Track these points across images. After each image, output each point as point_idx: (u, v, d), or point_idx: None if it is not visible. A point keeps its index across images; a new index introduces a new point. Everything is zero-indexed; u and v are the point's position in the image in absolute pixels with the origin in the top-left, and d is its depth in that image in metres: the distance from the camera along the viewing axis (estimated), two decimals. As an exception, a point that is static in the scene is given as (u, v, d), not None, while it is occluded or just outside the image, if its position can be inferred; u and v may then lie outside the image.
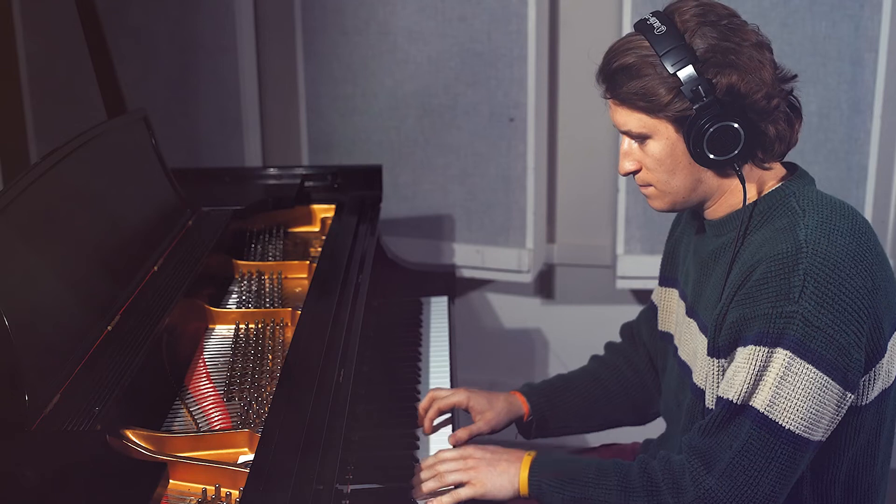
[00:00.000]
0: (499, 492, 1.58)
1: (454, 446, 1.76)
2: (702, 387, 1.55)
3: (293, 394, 1.51)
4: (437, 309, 2.34)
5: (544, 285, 3.06)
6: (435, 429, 1.83)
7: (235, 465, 1.43)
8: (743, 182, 1.48)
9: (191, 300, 1.84)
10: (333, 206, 2.39)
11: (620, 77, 1.48)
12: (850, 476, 1.51)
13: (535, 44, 2.71)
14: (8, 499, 1.25)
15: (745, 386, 1.41)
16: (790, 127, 1.49)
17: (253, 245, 2.24)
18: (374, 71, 2.87)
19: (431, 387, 1.99)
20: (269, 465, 1.33)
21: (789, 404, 1.38)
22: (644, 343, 1.88)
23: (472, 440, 1.80)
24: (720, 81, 1.43)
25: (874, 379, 1.46)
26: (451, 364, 2.10)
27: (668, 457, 1.51)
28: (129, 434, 1.43)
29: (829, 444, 1.47)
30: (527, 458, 1.59)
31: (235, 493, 1.36)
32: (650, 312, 1.86)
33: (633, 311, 2.01)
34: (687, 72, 1.42)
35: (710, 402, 1.53)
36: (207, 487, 1.37)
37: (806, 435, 1.40)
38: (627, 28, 2.61)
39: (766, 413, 1.39)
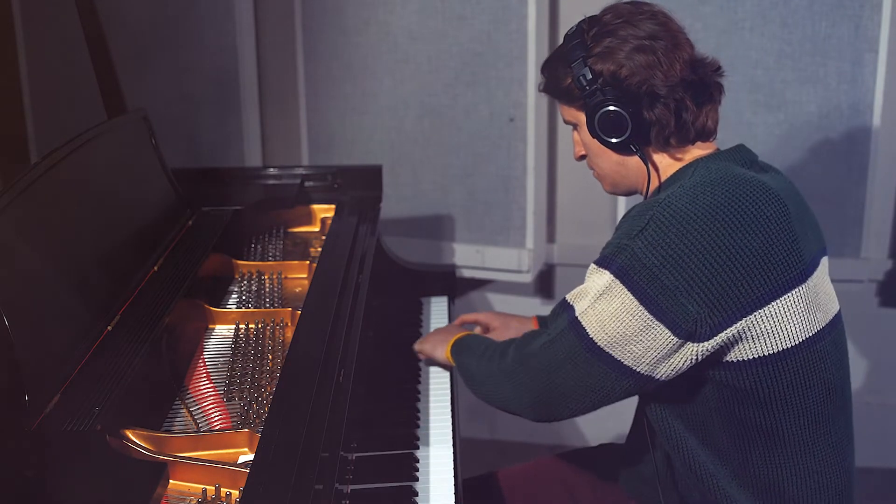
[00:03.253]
0: (434, 352, 2.01)
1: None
2: None
3: (293, 394, 1.51)
4: (437, 309, 2.34)
5: (544, 285, 3.06)
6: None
7: (235, 465, 1.43)
8: (645, 161, 1.62)
9: (191, 300, 1.84)
10: (333, 206, 2.39)
11: (543, 72, 1.71)
12: (772, 429, 1.55)
13: (535, 44, 2.71)
14: (8, 499, 1.25)
15: (577, 293, 1.60)
16: (676, 113, 1.58)
17: (253, 245, 2.24)
18: (374, 71, 2.87)
19: (432, 387, 2.00)
20: (269, 465, 1.33)
21: (599, 318, 1.53)
22: None
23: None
24: (604, 70, 1.58)
25: (751, 336, 1.50)
26: (451, 364, 2.10)
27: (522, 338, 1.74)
28: (129, 434, 1.43)
29: (729, 390, 1.54)
30: (458, 335, 1.95)
31: (235, 493, 1.36)
32: None
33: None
34: (577, 63, 1.60)
35: None
36: (207, 487, 1.37)
37: (609, 352, 1.53)
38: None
39: (579, 317, 1.56)
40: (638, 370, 1.52)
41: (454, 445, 1.80)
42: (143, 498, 1.26)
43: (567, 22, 2.79)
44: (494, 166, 2.83)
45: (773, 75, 2.60)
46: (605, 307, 1.52)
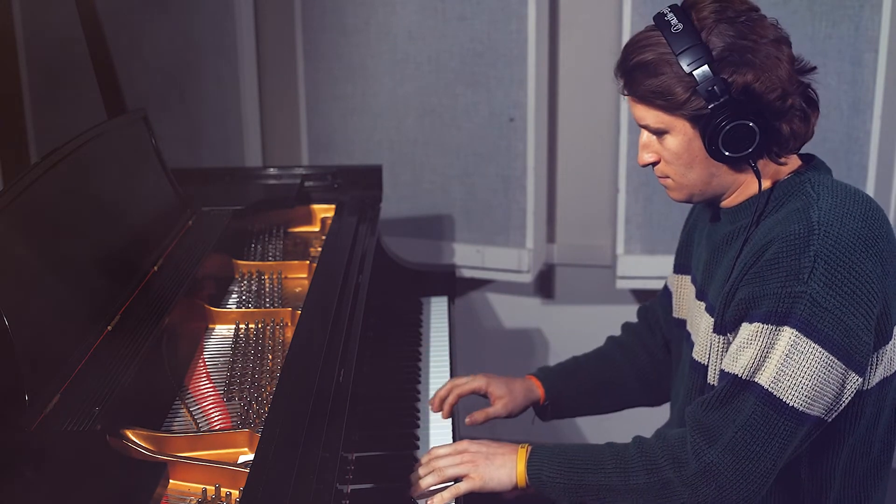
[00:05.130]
0: (497, 484, 1.61)
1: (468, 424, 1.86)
2: (702, 362, 1.59)
3: (293, 394, 1.51)
4: (437, 309, 2.35)
5: (544, 285, 3.06)
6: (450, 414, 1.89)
7: (235, 465, 1.43)
8: (759, 176, 1.50)
9: (191, 300, 1.84)
10: (333, 206, 2.39)
11: (638, 74, 1.49)
12: (848, 462, 1.53)
13: (535, 44, 2.70)
14: (8, 499, 1.25)
15: (752, 362, 1.44)
16: (804, 123, 1.51)
17: (253, 245, 2.24)
18: (374, 71, 2.87)
19: (432, 387, 1.99)
20: (269, 465, 1.33)
21: (793, 381, 1.41)
22: (661, 326, 1.91)
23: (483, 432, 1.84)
24: (736, 81, 1.45)
25: (876, 364, 1.48)
26: (451, 364, 2.10)
27: (664, 433, 1.54)
28: (129, 434, 1.43)
29: (831, 429, 1.48)
30: (522, 451, 1.63)
31: (235, 493, 1.36)
32: (665, 297, 1.88)
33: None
34: (703, 71, 1.44)
35: (711, 378, 1.57)
36: (207, 487, 1.37)
37: (807, 411, 1.42)
38: (628, 28, 2.61)
39: (770, 389, 1.42)
40: (827, 419, 1.45)
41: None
42: (143, 498, 1.26)
43: (567, 22, 2.80)
44: (494, 166, 2.83)
45: (773, 75, 2.60)
46: (796, 368, 1.41)
